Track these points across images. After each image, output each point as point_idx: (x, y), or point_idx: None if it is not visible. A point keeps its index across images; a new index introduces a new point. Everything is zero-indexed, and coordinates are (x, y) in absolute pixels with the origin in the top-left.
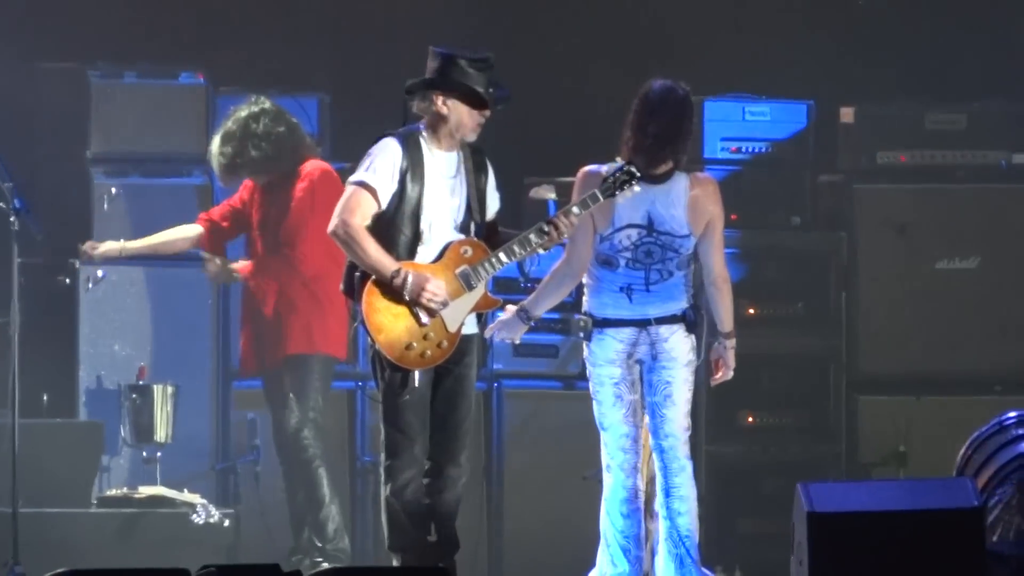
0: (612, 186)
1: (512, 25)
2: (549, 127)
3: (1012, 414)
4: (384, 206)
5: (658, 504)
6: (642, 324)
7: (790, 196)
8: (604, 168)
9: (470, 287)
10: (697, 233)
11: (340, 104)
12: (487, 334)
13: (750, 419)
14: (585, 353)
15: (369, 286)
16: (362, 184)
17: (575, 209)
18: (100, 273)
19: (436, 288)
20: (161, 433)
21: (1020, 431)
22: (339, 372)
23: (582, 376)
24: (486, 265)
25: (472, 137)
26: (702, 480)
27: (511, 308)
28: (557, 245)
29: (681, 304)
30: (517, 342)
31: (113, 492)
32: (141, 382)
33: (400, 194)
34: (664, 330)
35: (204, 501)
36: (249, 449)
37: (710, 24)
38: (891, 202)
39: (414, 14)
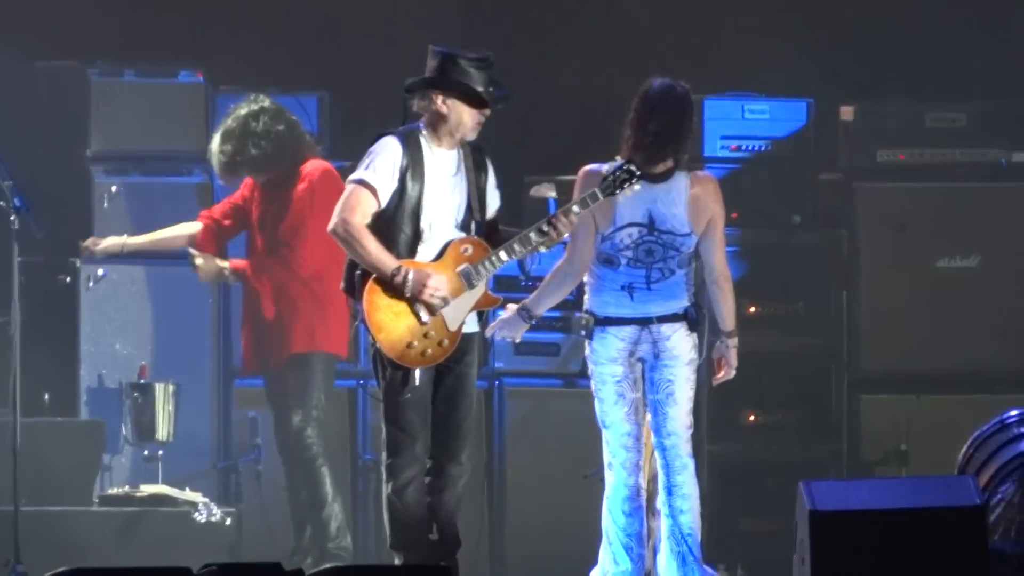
0: (612, 185)
1: (512, 23)
2: (549, 125)
3: (1013, 412)
4: (384, 205)
5: (660, 502)
6: (644, 322)
7: (790, 195)
8: (604, 167)
9: (471, 285)
10: (698, 231)
11: (340, 102)
12: (488, 333)
13: (751, 418)
14: (587, 351)
15: (370, 284)
16: (362, 183)
17: (575, 208)
18: (101, 272)
19: (437, 284)
20: (162, 432)
21: (1021, 429)
22: (340, 371)
23: (583, 374)
24: (487, 263)
25: (472, 136)
26: (704, 478)
27: (512, 307)
28: (558, 244)
29: (683, 302)
30: (518, 341)
31: (115, 491)
32: (142, 381)
33: (400, 193)
34: (666, 328)
35: (206, 500)
36: (250, 448)
37: (710, 23)
38: (891, 201)
39: (414, 13)
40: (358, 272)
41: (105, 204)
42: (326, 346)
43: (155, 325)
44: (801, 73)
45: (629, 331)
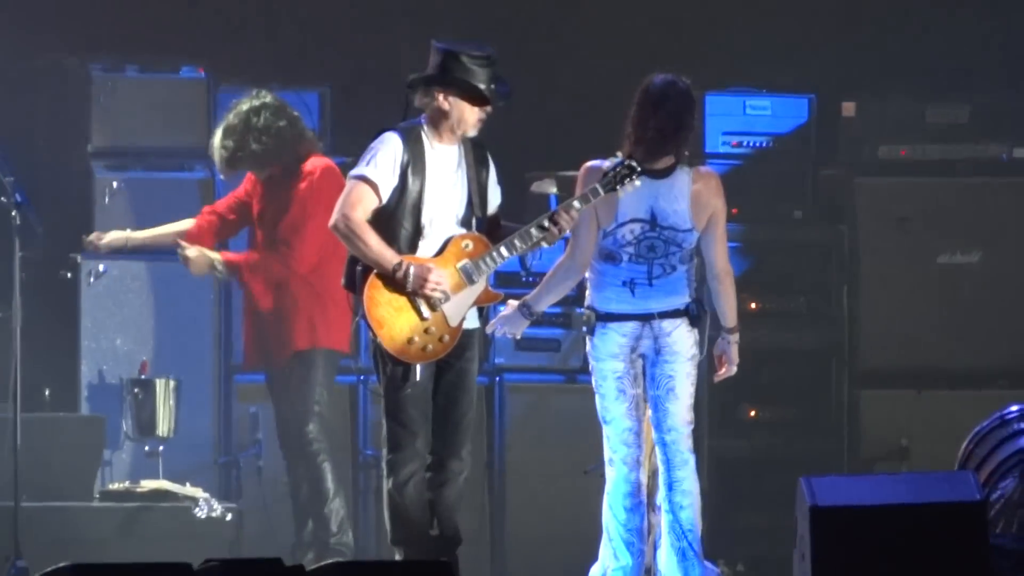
0: (613, 180)
1: (514, 18)
2: (550, 121)
3: (1014, 408)
4: (385, 200)
5: (660, 498)
6: (645, 318)
7: (791, 190)
8: (606, 163)
9: (471, 281)
10: (700, 227)
11: (341, 98)
12: (489, 330)
13: (752, 413)
14: (588, 347)
15: (371, 280)
16: (363, 178)
17: (576, 203)
18: (102, 267)
19: (439, 279)
20: (163, 427)
21: (1022, 425)
22: (341, 366)
23: (584, 370)
24: (487, 259)
25: (473, 133)
26: (704, 474)
27: (513, 303)
28: (559, 240)
29: (684, 298)
30: (518, 337)
31: (115, 486)
32: (143, 376)
33: (401, 188)
34: (667, 324)
35: (206, 495)
36: (251, 443)
37: (711, 18)
38: (892, 196)
39: (416, 8)
40: (359, 268)
41: (106, 200)
42: (327, 342)
43: (156, 321)
44: (802, 69)
45: (630, 327)
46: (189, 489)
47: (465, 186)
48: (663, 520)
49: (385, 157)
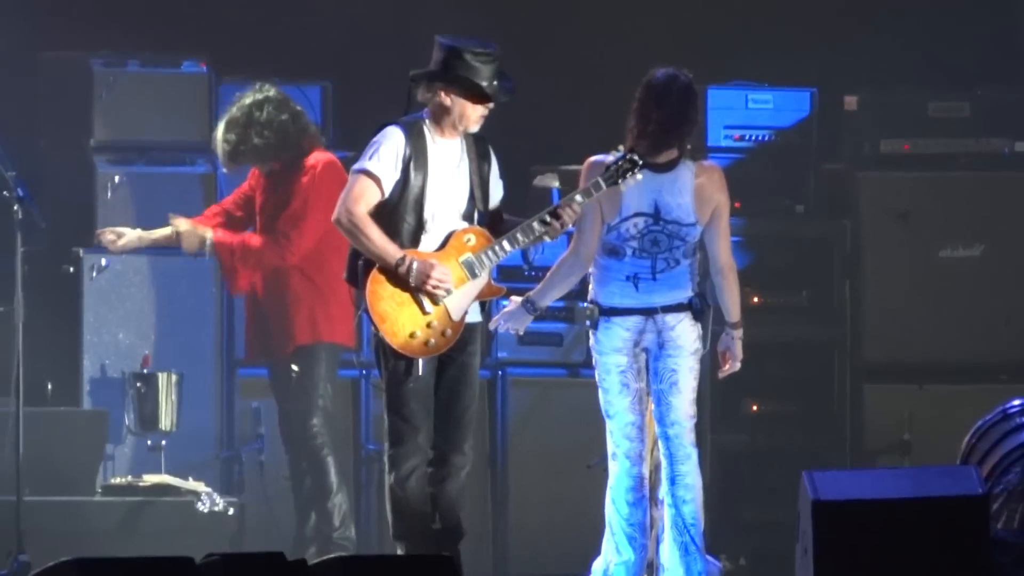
0: (615, 174)
1: (516, 13)
2: (553, 115)
3: (1016, 402)
4: (387, 195)
5: (663, 492)
6: (649, 313)
7: (793, 184)
8: (609, 157)
9: (474, 275)
10: (703, 221)
11: (344, 92)
12: (492, 326)
13: (754, 407)
14: (591, 341)
15: (373, 274)
16: (366, 172)
17: (578, 197)
18: (104, 261)
19: (442, 274)
20: (165, 421)
21: None
22: (343, 361)
23: (587, 364)
24: (489, 253)
25: (475, 129)
26: (707, 468)
27: (516, 299)
28: (561, 234)
29: (687, 292)
30: (521, 333)
31: (117, 480)
32: (145, 370)
33: (403, 183)
34: (671, 318)
35: (209, 489)
36: (253, 437)
37: (714, 12)
38: (894, 190)
39: (419, 2)
40: (361, 262)
41: (108, 194)
42: (330, 337)
43: (158, 315)
44: (804, 62)
45: (634, 321)
46: (191, 483)
47: (467, 180)
48: (666, 514)
49: (388, 151)
